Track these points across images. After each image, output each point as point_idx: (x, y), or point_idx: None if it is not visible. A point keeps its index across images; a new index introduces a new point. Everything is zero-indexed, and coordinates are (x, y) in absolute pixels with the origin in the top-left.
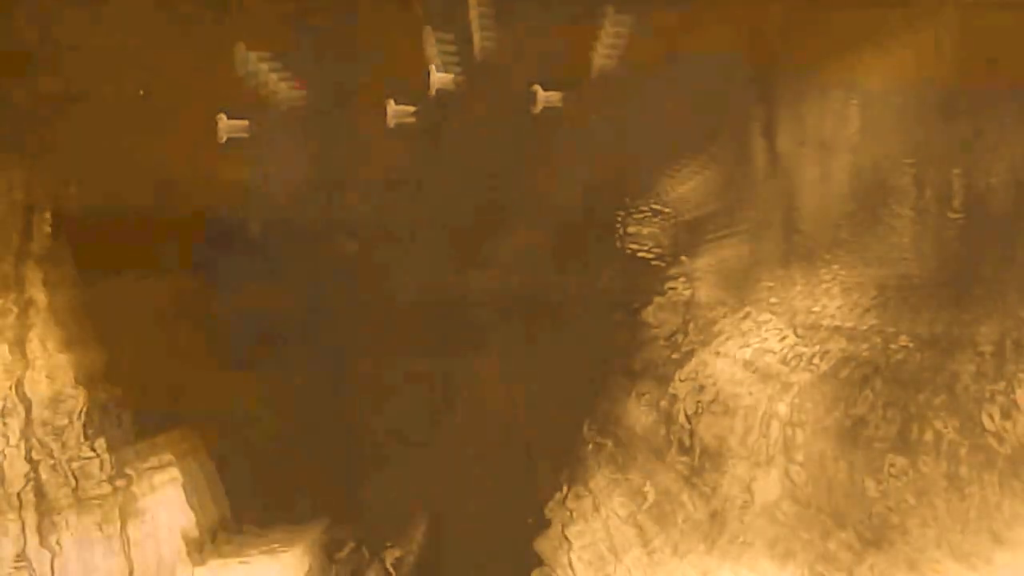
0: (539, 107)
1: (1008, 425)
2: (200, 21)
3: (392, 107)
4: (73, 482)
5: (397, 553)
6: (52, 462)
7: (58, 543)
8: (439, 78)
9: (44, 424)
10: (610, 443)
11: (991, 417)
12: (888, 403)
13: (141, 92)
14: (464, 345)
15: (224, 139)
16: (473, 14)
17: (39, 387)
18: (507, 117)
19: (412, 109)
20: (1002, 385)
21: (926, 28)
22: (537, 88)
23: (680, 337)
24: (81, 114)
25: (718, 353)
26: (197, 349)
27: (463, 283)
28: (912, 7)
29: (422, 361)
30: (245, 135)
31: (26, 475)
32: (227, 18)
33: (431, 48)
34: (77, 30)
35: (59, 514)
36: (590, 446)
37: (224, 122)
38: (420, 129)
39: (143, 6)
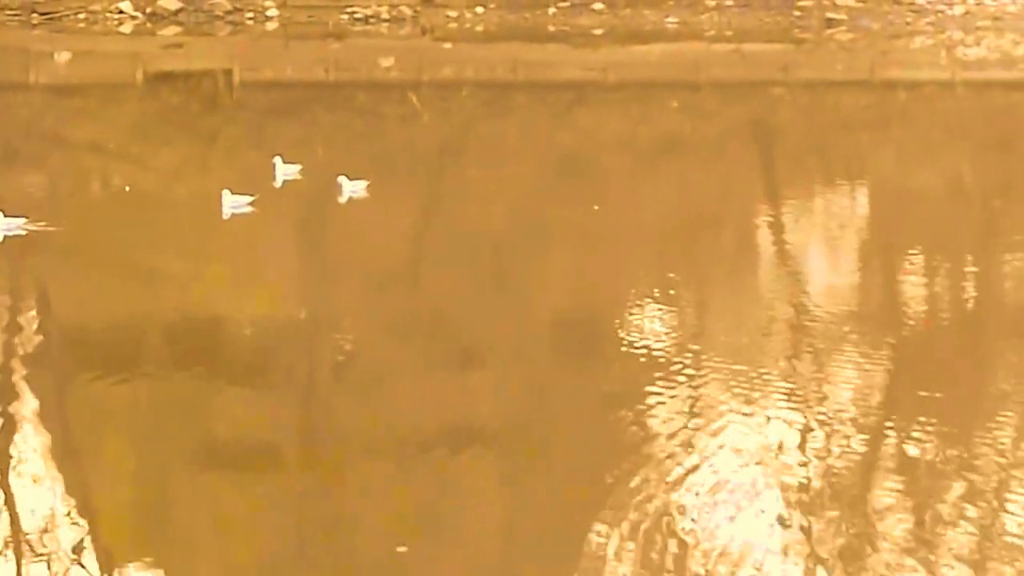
0: (345, 197)
1: None
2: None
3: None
4: None
5: None
6: None
7: None
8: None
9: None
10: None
11: None
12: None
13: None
14: None
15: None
16: None
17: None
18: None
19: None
20: None
21: (936, 110)
22: (342, 179)
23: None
24: (67, 210)
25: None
26: (185, 452)
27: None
28: (920, 88)
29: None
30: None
31: None
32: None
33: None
34: (62, 123)
35: None
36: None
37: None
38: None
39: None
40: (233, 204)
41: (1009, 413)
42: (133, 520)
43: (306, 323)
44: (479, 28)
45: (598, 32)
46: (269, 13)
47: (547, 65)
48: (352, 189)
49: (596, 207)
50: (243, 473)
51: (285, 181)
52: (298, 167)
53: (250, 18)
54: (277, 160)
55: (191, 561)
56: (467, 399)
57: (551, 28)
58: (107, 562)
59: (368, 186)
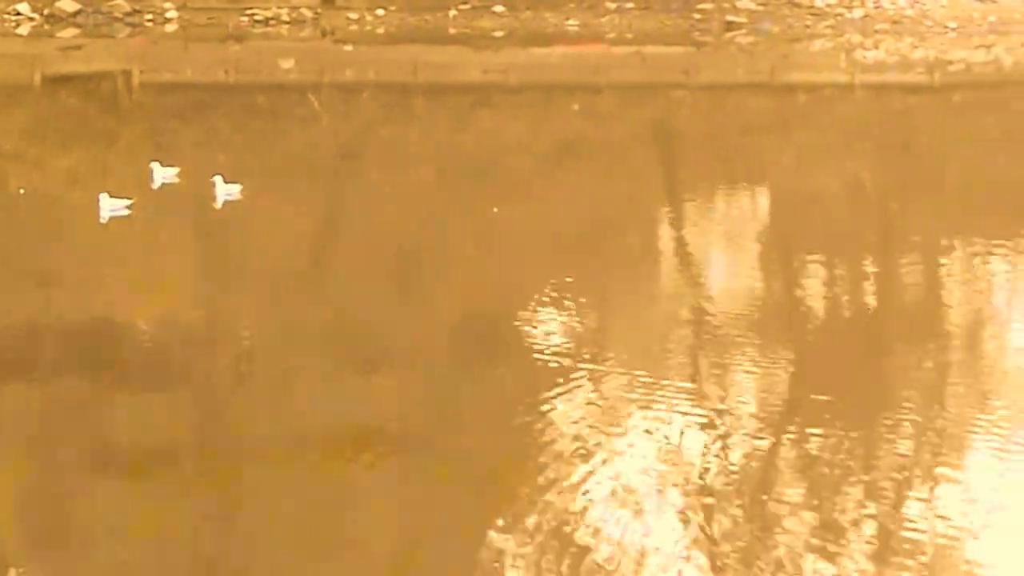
0: (220, 201)
1: None
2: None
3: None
4: None
5: None
6: None
7: None
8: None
9: None
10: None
11: None
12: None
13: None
14: None
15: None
16: None
17: None
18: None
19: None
20: None
21: (835, 113)
22: (217, 179)
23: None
24: None
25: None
26: (79, 458)
27: None
28: (819, 91)
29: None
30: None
31: None
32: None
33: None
34: None
35: None
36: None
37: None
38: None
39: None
40: (112, 208)
41: (907, 413)
42: (26, 526)
43: (206, 327)
44: (380, 30)
45: (499, 34)
46: (168, 15)
47: (448, 67)
48: (227, 192)
49: (495, 210)
50: (140, 478)
51: (163, 184)
52: (176, 170)
53: (149, 20)
54: (155, 164)
55: (86, 567)
56: (368, 403)
57: (452, 30)
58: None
59: (266, 189)
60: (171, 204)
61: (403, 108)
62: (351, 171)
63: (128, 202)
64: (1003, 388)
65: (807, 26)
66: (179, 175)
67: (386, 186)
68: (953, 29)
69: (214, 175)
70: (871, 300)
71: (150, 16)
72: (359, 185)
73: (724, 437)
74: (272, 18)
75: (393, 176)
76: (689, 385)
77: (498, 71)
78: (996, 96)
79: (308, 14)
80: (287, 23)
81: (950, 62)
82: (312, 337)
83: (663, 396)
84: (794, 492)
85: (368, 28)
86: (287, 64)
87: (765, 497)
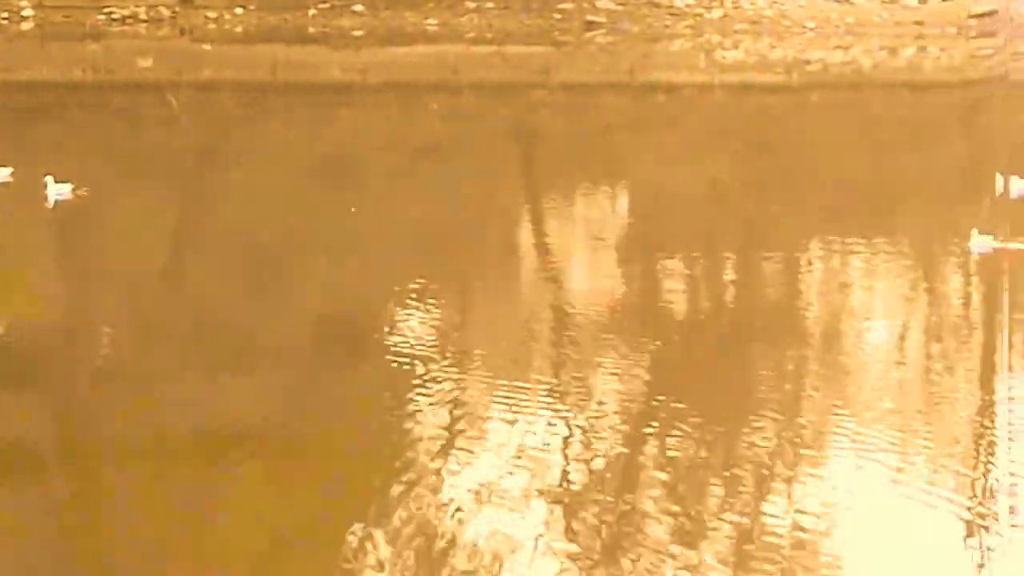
0: (51, 200)
1: None
2: None
3: None
4: None
5: None
6: None
7: None
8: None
9: None
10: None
11: None
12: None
13: None
14: None
15: None
16: None
17: None
18: None
19: None
20: None
21: (695, 113)
22: (48, 179)
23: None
24: None
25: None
26: None
27: None
28: (679, 91)
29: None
30: None
31: None
32: None
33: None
34: None
35: None
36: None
37: None
38: None
39: None
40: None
41: (766, 412)
42: None
43: (64, 326)
44: (238, 29)
45: (358, 34)
46: (25, 13)
47: (307, 67)
48: (58, 192)
49: (353, 209)
50: None
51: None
52: (9, 170)
53: (5, 18)
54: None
55: None
56: (229, 403)
57: (311, 29)
58: None
59: (123, 188)
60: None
61: (262, 107)
62: (210, 170)
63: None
64: (860, 387)
65: (666, 26)
66: (12, 175)
67: (245, 185)
68: (811, 29)
69: (45, 175)
70: (731, 299)
71: (5, 14)
72: (218, 184)
73: (585, 435)
74: (130, 16)
75: (252, 175)
76: (550, 384)
77: (357, 70)
78: (853, 97)
79: (166, 12)
80: (145, 21)
81: (808, 62)
82: (171, 337)
83: (524, 395)
84: (655, 490)
85: (227, 27)
86: (145, 63)
87: (627, 495)
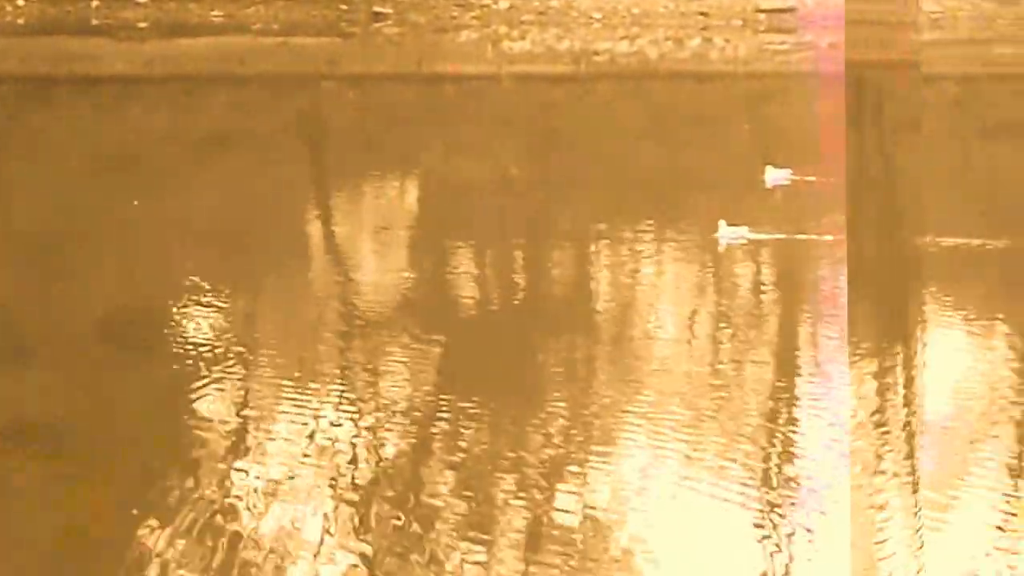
0: None
1: None
2: None
3: None
4: None
5: None
6: None
7: None
8: None
9: None
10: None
11: None
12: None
13: None
14: None
15: None
16: None
17: None
18: None
19: None
20: None
21: (482, 104)
22: None
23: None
24: None
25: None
26: None
27: None
28: (467, 82)
29: None
30: None
31: None
32: None
33: None
34: None
35: None
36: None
37: None
38: None
39: None
40: None
41: (557, 402)
42: None
43: None
44: (20, 21)
45: (143, 25)
46: None
47: (91, 59)
48: None
49: (136, 203)
50: None
51: None
52: None
53: None
54: None
55: None
56: (16, 396)
57: (94, 21)
58: None
59: None
60: None
61: (45, 100)
62: None
63: None
64: (649, 376)
65: (453, 17)
66: None
67: (28, 178)
68: (598, 20)
69: None
70: (520, 291)
71: None
72: (0, 177)
73: (374, 430)
74: None
75: (35, 168)
76: (339, 378)
77: (142, 62)
78: (640, 87)
79: None
80: None
81: (595, 53)
82: None
83: (313, 390)
84: (445, 484)
85: (8, 19)
86: None
87: (416, 490)
